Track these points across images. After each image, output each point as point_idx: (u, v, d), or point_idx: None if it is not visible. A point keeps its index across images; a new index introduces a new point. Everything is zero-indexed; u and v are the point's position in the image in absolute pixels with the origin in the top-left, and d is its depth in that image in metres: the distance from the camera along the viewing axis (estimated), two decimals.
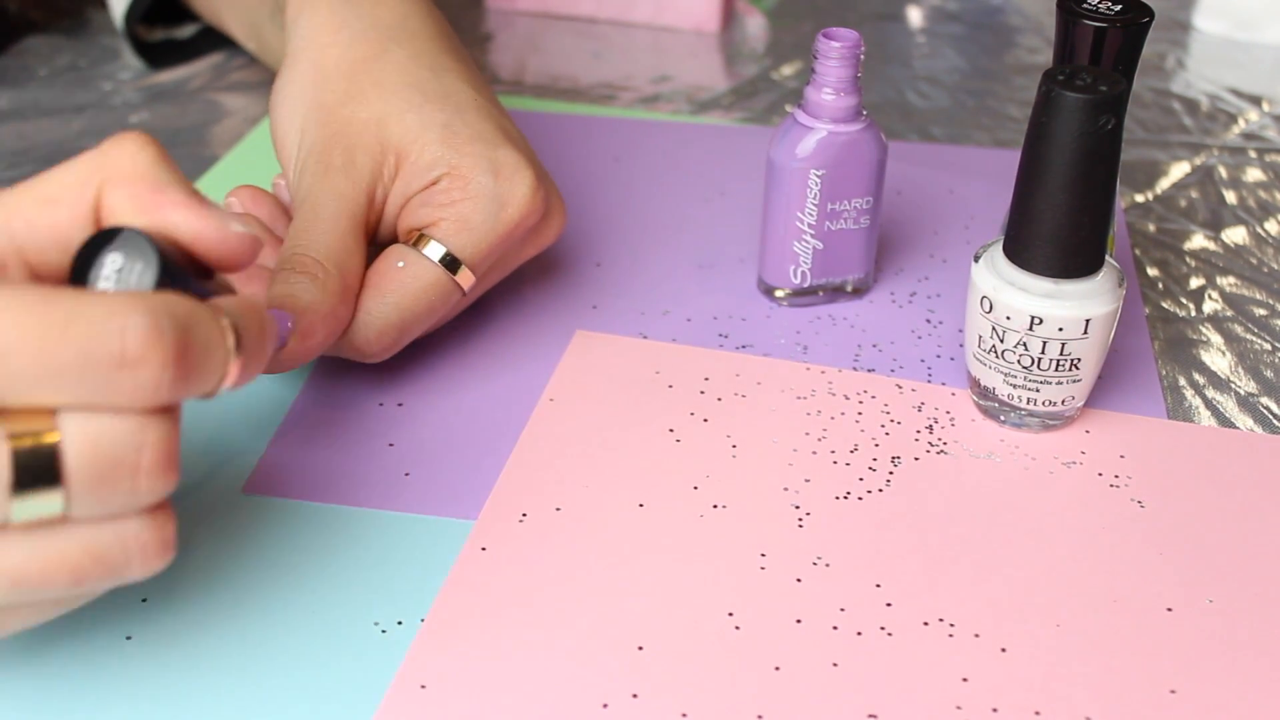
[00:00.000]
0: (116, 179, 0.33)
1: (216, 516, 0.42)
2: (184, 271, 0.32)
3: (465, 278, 0.46)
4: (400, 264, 0.45)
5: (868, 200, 0.51)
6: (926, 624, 0.39)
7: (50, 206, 0.32)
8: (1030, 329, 0.44)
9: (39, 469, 0.29)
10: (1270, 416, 0.48)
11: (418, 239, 0.45)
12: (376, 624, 0.38)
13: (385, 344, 0.45)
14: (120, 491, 0.30)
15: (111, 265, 0.31)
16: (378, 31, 0.49)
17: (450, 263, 0.45)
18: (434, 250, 0.45)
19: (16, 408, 0.29)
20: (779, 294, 0.53)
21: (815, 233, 0.51)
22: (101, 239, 0.31)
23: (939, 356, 0.50)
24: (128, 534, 0.31)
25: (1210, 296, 0.55)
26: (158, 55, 0.72)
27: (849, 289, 0.53)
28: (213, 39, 0.72)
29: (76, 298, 0.29)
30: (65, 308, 0.29)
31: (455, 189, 0.46)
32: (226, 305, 0.32)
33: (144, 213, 0.32)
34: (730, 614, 0.39)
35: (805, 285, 0.52)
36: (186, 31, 0.73)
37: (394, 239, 0.47)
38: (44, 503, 0.29)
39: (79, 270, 0.31)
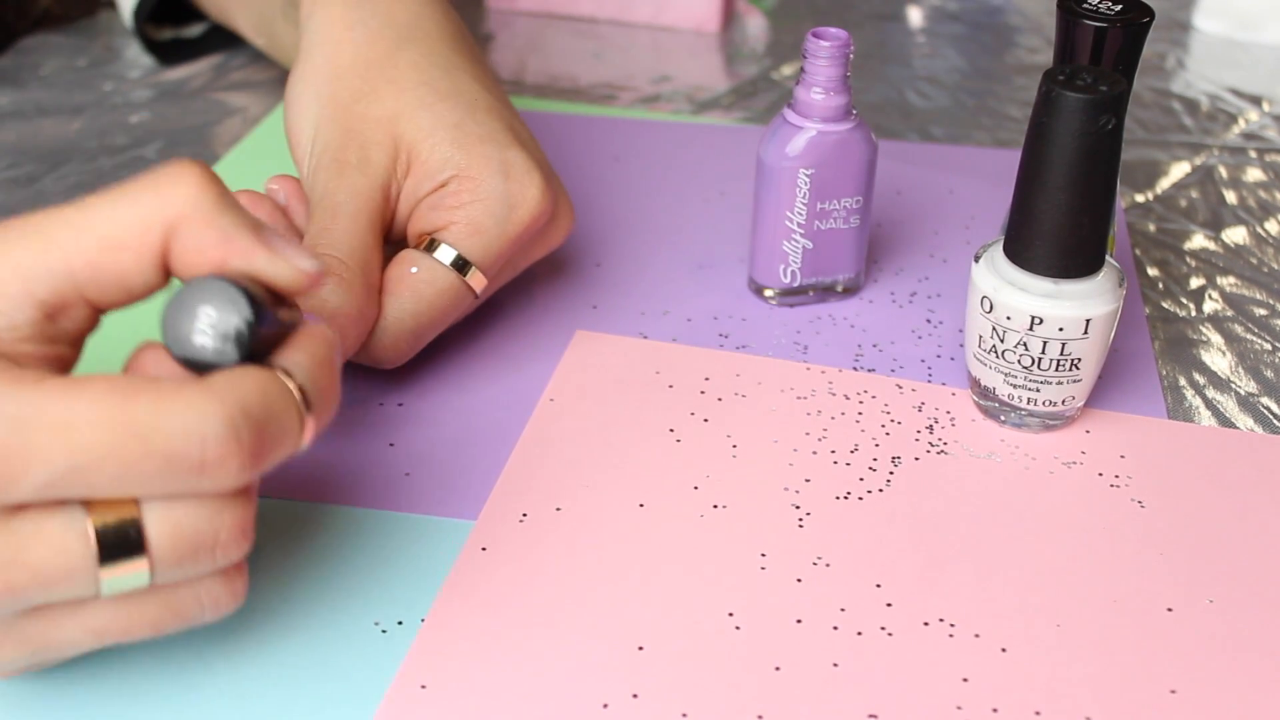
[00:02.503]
0: (181, 225, 0.32)
1: None
2: (264, 306, 0.32)
3: (477, 280, 0.46)
4: (413, 270, 0.45)
5: (857, 200, 0.51)
6: (927, 624, 0.39)
7: (115, 252, 0.32)
8: (1030, 329, 0.44)
9: (126, 550, 0.31)
10: (1270, 416, 0.48)
11: (429, 244, 0.46)
12: (376, 624, 0.38)
13: (401, 350, 0.45)
14: (201, 564, 0.32)
15: (206, 319, 0.31)
16: (393, 30, 0.49)
17: (461, 266, 0.45)
18: (445, 254, 0.45)
19: (101, 500, 0.30)
20: (768, 293, 0.53)
21: (805, 232, 0.51)
22: (191, 289, 0.32)
23: (939, 356, 0.50)
24: (203, 591, 0.33)
25: (1210, 296, 0.55)
26: (166, 53, 0.72)
27: (839, 289, 0.53)
28: (220, 37, 0.72)
29: (155, 405, 0.30)
30: (144, 418, 0.29)
31: (465, 191, 0.46)
32: (296, 366, 0.33)
33: (215, 263, 0.33)
34: (730, 614, 0.39)
35: (795, 285, 0.52)
36: (194, 31, 0.73)
37: (403, 238, 0.47)
38: (132, 578, 0.31)
39: (171, 322, 0.32)
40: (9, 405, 0.29)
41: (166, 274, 0.33)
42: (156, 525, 0.31)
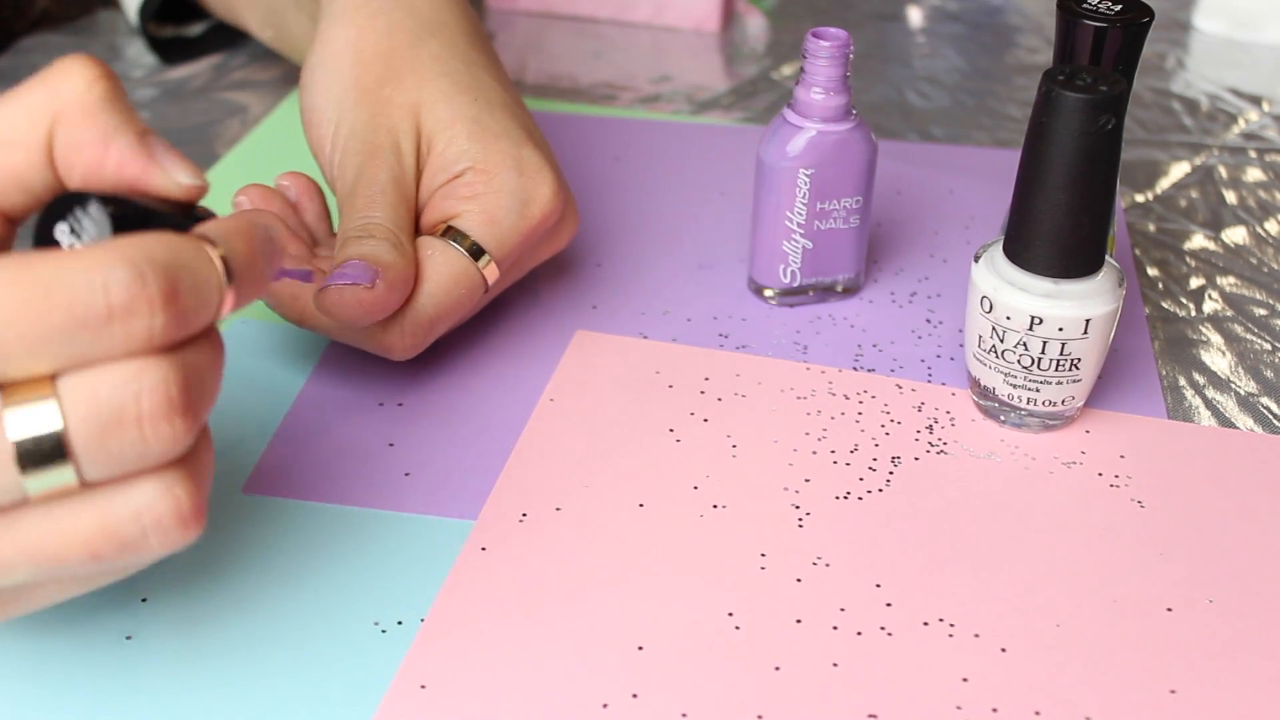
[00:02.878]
0: (65, 120, 0.31)
1: (216, 516, 0.42)
2: (148, 216, 0.31)
3: (491, 271, 0.46)
4: (430, 253, 0.45)
5: (857, 200, 0.51)
6: (926, 624, 0.39)
7: (8, 150, 0.31)
8: (1030, 329, 0.44)
9: (41, 437, 0.28)
10: (1270, 416, 0.48)
11: (445, 230, 0.46)
12: (376, 624, 0.38)
13: (416, 339, 0.45)
14: (126, 443, 0.29)
15: (63, 236, 0.30)
16: (414, 20, 0.49)
17: (476, 254, 0.46)
18: (461, 241, 0.46)
19: (16, 380, 0.28)
20: (768, 293, 0.53)
21: (804, 232, 0.51)
22: (59, 205, 0.30)
23: (939, 356, 0.50)
24: (140, 504, 0.30)
25: (1210, 296, 0.55)
26: (169, 51, 0.72)
27: (839, 289, 0.53)
28: (220, 37, 0.73)
29: (54, 261, 0.28)
30: (44, 274, 0.28)
31: (479, 183, 0.46)
32: (212, 232, 0.31)
33: (91, 163, 0.31)
34: (730, 614, 0.39)
35: (795, 285, 0.52)
36: (195, 29, 0.73)
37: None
38: (55, 474, 0.28)
39: (44, 236, 0.30)
40: None
41: (55, 165, 0.32)
42: (72, 397, 0.28)
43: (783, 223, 0.51)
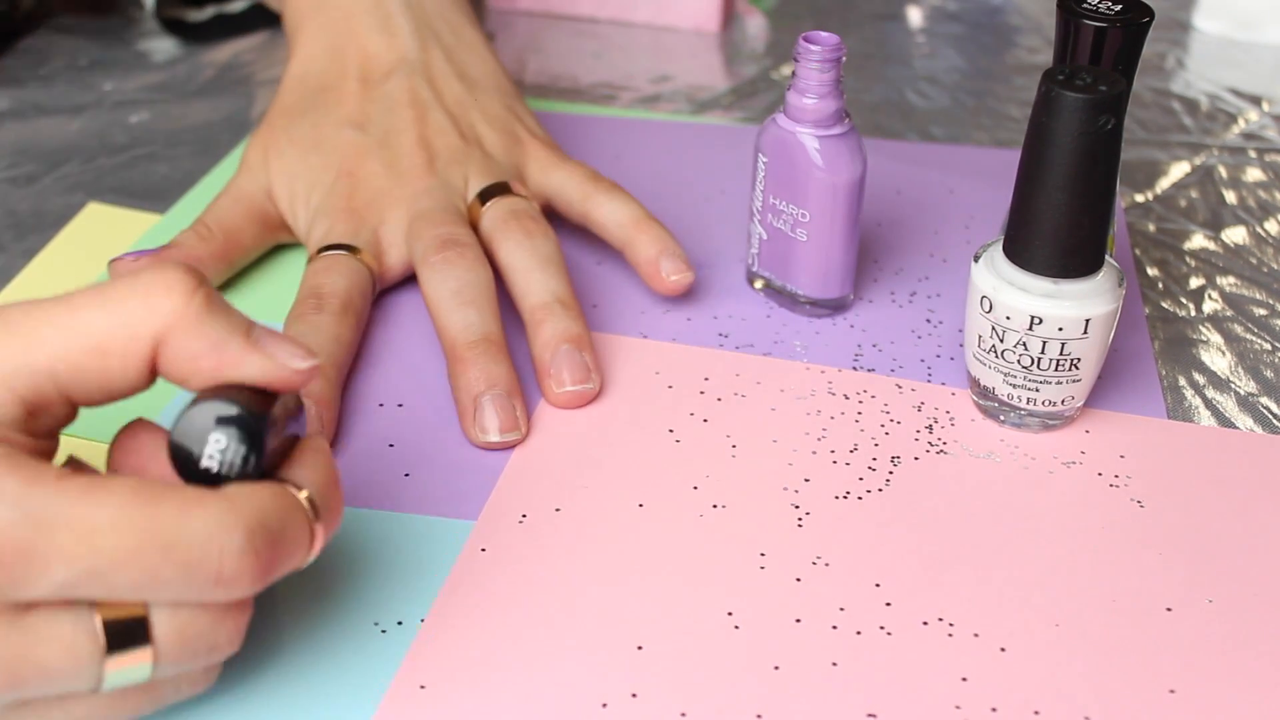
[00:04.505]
0: (171, 334, 0.32)
1: None
2: (267, 429, 0.33)
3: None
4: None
5: (804, 214, 0.50)
6: (926, 623, 0.39)
7: (101, 358, 0.32)
8: (1030, 329, 0.44)
9: (130, 642, 0.31)
10: (1270, 416, 0.48)
11: None
12: (376, 624, 0.38)
13: None
14: (196, 663, 0.32)
15: (215, 445, 0.32)
16: None
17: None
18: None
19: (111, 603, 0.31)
20: (757, 284, 0.53)
21: (761, 220, 0.51)
22: (201, 410, 0.32)
23: (939, 356, 0.50)
24: (182, 679, 0.33)
25: (1210, 296, 0.55)
26: (205, 32, 0.73)
27: (801, 299, 0.52)
28: (222, 28, 0.74)
29: (178, 515, 0.30)
30: (167, 528, 0.30)
31: None
32: (305, 481, 0.34)
33: (206, 373, 0.33)
34: (730, 613, 0.39)
35: (755, 269, 0.53)
36: (203, 15, 0.74)
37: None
38: (133, 673, 0.31)
39: (180, 451, 0.32)
40: (33, 503, 0.29)
41: (151, 379, 0.34)
42: (163, 627, 0.31)
43: (751, 201, 0.51)
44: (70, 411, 0.33)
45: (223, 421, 0.32)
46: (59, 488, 0.30)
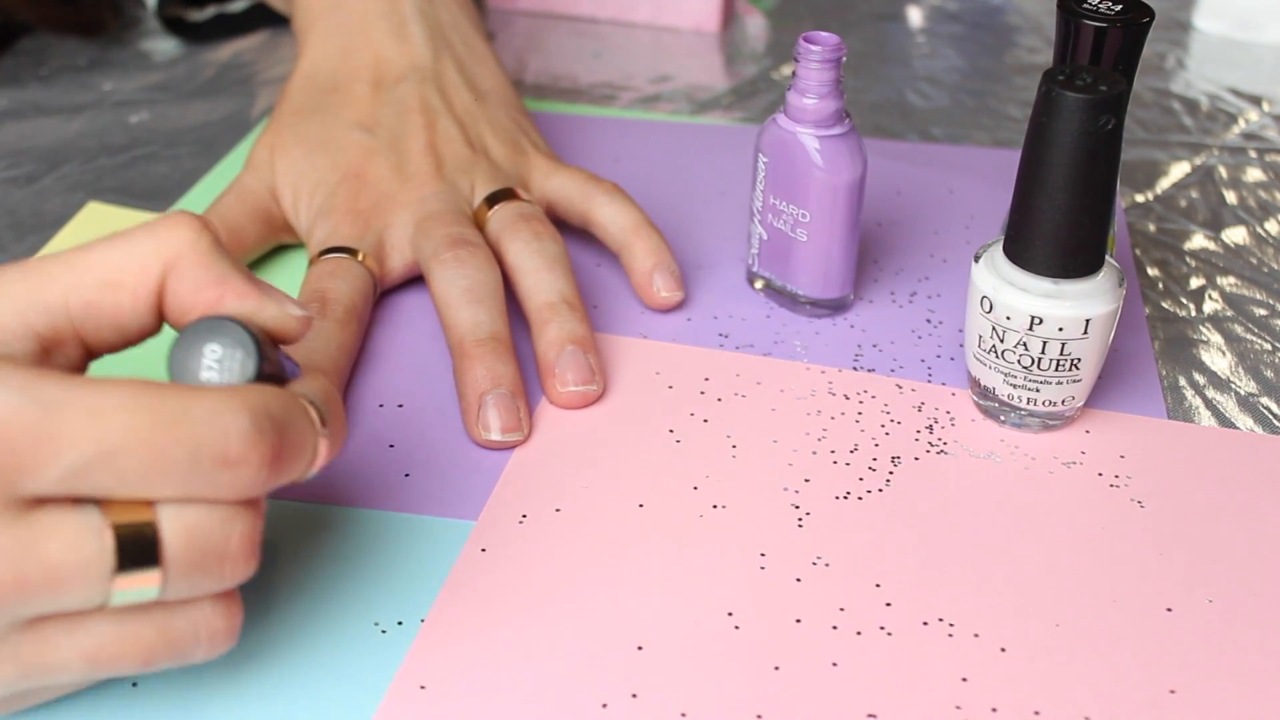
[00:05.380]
0: (178, 266, 0.34)
1: None
2: (265, 344, 0.33)
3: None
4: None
5: (804, 214, 0.50)
6: (926, 624, 0.39)
7: (113, 290, 0.33)
8: (1030, 329, 0.44)
9: (141, 553, 0.30)
10: (1270, 416, 0.48)
11: None
12: (376, 624, 0.38)
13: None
14: (209, 577, 0.32)
15: (212, 355, 0.32)
16: None
17: None
18: None
19: (117, 499, 0.30)
20: (757, 284, 0.53)
21: (761, 220, 0.51)
22: (197, 328, 0.33)
23: (939, 356, 0.50)
24: (199, 619, 0.32)
25: (1210, 296, 0.55)
26: (206, 31, 0.74)
27: (801, 299, 0.52)
28: (222, 28, 0.74)
29: (183, 397, 0.30)
30: (173, 408, 0.30)
31: None
32: (309, 390, 0.34)
33: (210, 303, 0.34)
34: (730, 614, 0.39)
35: (755, 269, 0.53)
36: (238, 5, 0.75)
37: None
38: (143, 587, 0.31)
39: (179, 368, 0.32)
40: (41, 389, 0.29)
41: (159, 319, 0.34)
42: (171, 527, 0.31)
43: (751, 201, 0.51)
44: (83, 355, 0.34)
45: (218, 332, 0.32)
46: (67, 378, 0.30)
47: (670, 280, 0.51)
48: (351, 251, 0.50)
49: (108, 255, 0.33)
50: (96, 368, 0.35)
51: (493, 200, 0.51)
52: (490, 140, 0.55)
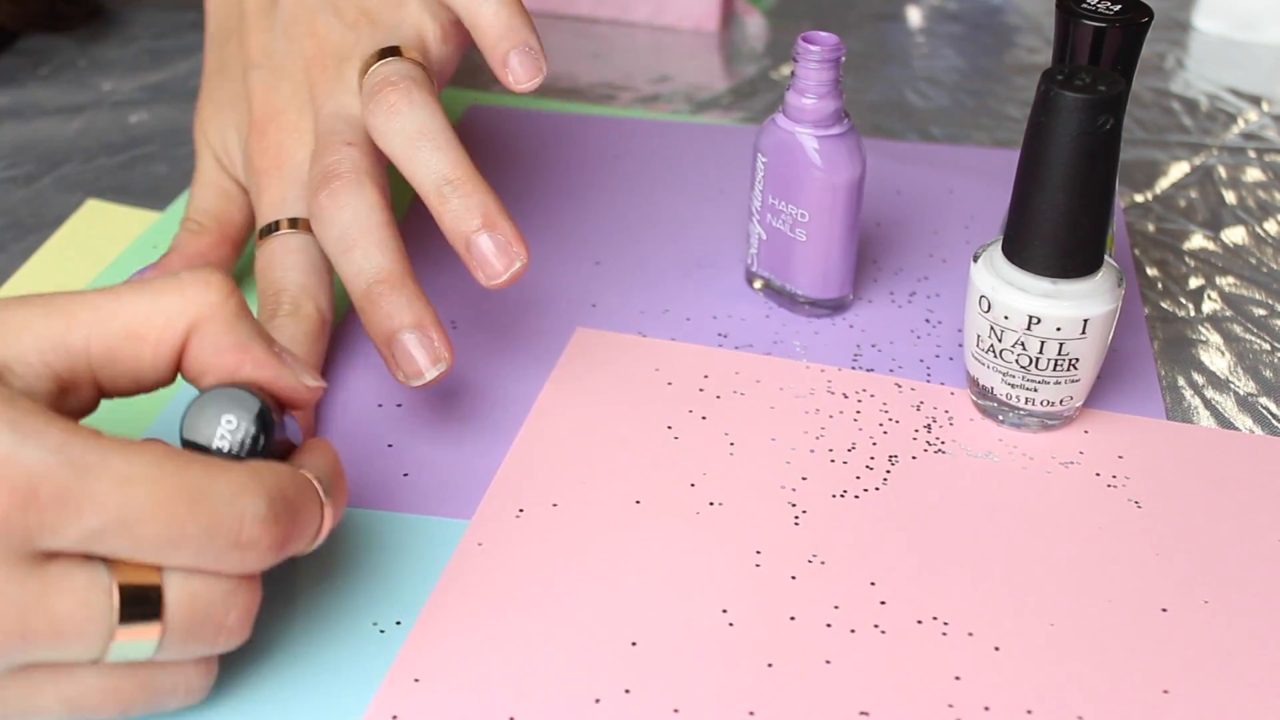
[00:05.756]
0: (202, 327, 0.34)
1: None
2: (276, 416, 0.34)
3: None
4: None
5: (803, 214, 0.50)
6: (920, 622, 0.39)
7: (135, 342, 0.34)
8: (1028, 329, 0.44)
9: (143, 615, 0.31)
10: (1270, 417, 0.48)
11: None
12: (375, 624, 0.38)
13: None
14: (202, 644, 0.32)
15: (227, 425, 0.33)
16: None
17: None
18: None
19: (128, 562, 0.31)
20: (756, 283, 0.53)
21: (760, 219, 0.51)
22: (214, 395, 0.33)
23: (938, 356, 0.50)
24: (179, 677, 0.33)
25: (1209, 296, 0.55)
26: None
27: (800, 299, 0.52)
28: None
29: (207, 475, 0.31)
30: (197, 485, 0.31)
31: None
32: (316, 465, 0.35)
33: (229, 368, 0.34)
34: (724, 610, 0.39)
35: (755, 269, 0.53)
36: None
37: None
38: (140, 647, 0.31)
39: (193, 432, 0.33)
40: (73, 450, 0.30)
41: (175, 372, 0.35)
42: (176, 594, 0.31)
43: (750, 201, 0.51)
44: (95, 398, 0.35)
45: (235, 403, 0.33)
46: (98, 439, 0.31)
47: (530, 60, 0.45)
48: (295, 220, 0.47)
49: (134, 306, 0.34)
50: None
51: (364, 70, 0.46)
52: (371, 2, 0.48)
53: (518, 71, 0.45)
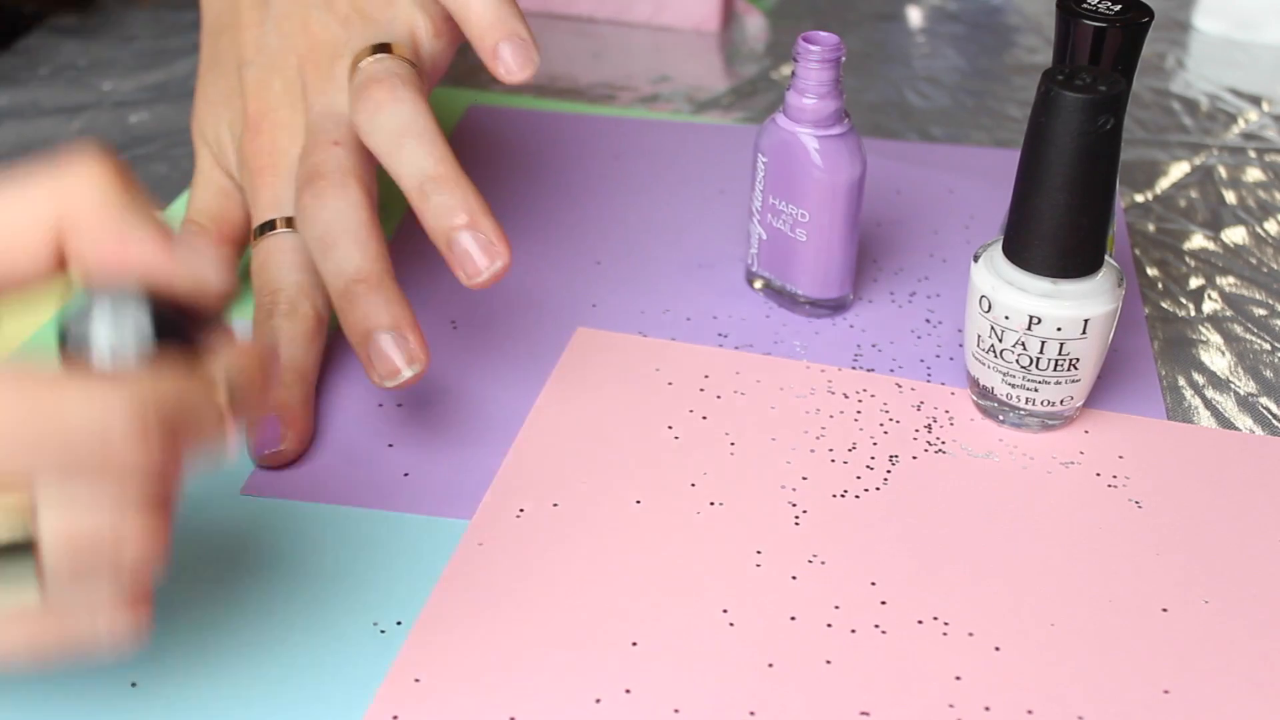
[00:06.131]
0: (77, 221, 0.30)
1: (215, 517, 0.42)
2: (177, 322, 0.30)
3: None
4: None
5: (803, 214, 0.50)
6: (920, 622, 0.39)
7: (6, 252, 0.30)
8: (1029, 329, 0.44)
9: (9, 543, 0.28)
10: (1270, 417, 0.48)
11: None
12: (375, 624, 0.38)
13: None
14: (98, 577, 0.29)
15: (104, 338, 0.29)
16: None
17: None
18: None
19: None
20: (756, 283, 0.53)
21: (760, 219, 0.51)
22: (89, 297, 0.30)
23: (938, 356, 0.50)
24: (100, 621, 0.30)
25: (1210, 296, 0.55)
26: None
27: (800, 299, 0.52)
28: None
29: (57, 393, 0.28)
30: (46, 407, 0.27)
31: None
32: (224, 364, 0.31)
33: (110, 265, 0.30)
34: (724, 610, 0.39)
35: (755, 269, 0.53)
36: None
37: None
38: (17, 595, 0.28)
39: (69, 338, 0.30)
40: None
41: (62, 264, 0.31)
42: (50, 530, 0.28)
43: (751, 201, 0.51)
44: None
45: (112, 306, 0.30)
46: None
47: (523, 50, 0.44)
48: (290, 218, 0.47)
49: (1, 204, 0.30)
50: None
51: (353, 68, 0.46)
52: None
53: (509, 62, 0.44)
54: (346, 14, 0.48)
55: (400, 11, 0.47)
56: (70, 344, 0.30)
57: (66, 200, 0.30)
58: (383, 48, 0.45)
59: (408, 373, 0.42)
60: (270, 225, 0.47)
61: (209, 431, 0.30)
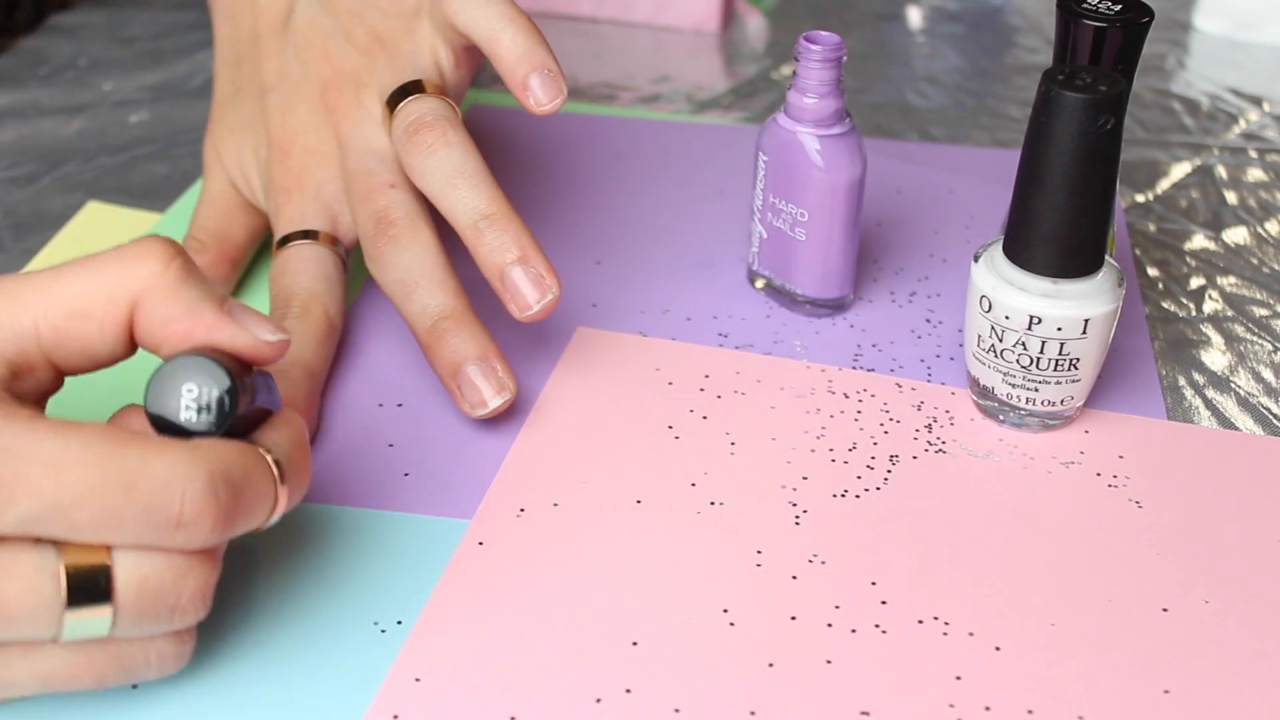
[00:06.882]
0: (145, 299, 0.34)
1: None
2: (241, 383, 0.34)
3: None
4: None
5: (803, 213, 0.50)
6: (921, 622, 0.39)
7: (81, 321, 0.33)
8: (1029, 328, 0.44)
9: (93, 596, 0.31)
10: (1270, 417, 0.48)
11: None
12: (376, 624, 0.38)
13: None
14: (158, 622, 0.33)
15: (189, 395, 0.33)
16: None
17: None
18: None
19: (74, 543, 0.31)
20: (757, 283, 0.53)
21: (761, 218, 0.51)
22: (173, 366, 0.33)
23: (939, 356, 0.50)
24: (153, 649, 0.34)
25: (1210, 296, 0.55)
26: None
27: (801, 299, 0.52)
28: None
29: (143, 456, 0.31)
30: (131, 467, 0.31)
31: None
32: (274, 441, 0.35)
33: (179, 337, 0.34)
34: (725, 610, 0.39)
35: (755, 268, 0.53)
36: None
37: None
38: (93, 627, 0.32)
39: (156, 398, 0.33)
40: (5, 437, 0.30)
41: (132, 346, 0.35)
42: (125, 575, 0.31)
43: (752, 200, 0.51)
44: (54, 378, 0.35)
45: (194, 371, 0.33)
46: (31, 425, 0.31)
47: (551, 82, 0.46)
48: (311, 233, 0.49)
49: (76, 284, 0.34)
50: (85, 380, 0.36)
51: (392, 103, 0.47)
52: (381, 24, 0.49)
53: (539, 94, 0.45)
54: (367, 44, 0.49)
55: (422, 43, 0.49)
56: (159, 411, 0.33)
57: (135, 280, 0.34)
58: (415, 85, 0.47)
59: (496, 401, 0.44)
60: (290, 238, 0.49)
61: (264, 498, 0.34)
